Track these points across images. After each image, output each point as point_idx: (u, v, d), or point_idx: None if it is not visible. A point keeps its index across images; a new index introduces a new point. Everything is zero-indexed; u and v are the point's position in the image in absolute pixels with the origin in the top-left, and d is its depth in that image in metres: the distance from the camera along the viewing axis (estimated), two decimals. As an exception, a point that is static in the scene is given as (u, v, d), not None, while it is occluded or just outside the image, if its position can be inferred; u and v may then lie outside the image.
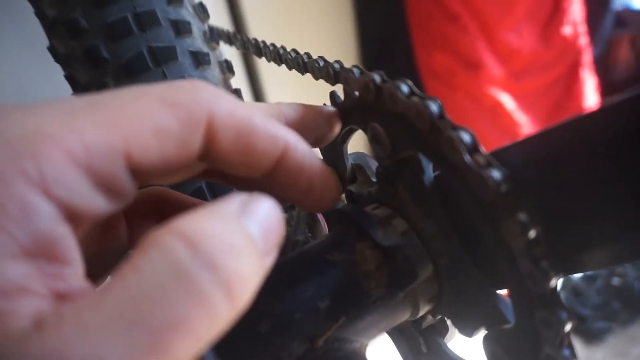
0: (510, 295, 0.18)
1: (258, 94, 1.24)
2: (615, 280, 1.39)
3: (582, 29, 1.42)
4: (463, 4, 1.31)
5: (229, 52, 0.40)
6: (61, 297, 0.12)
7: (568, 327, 0.17)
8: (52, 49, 0.32)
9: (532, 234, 0.16)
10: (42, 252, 0.12)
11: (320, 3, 1.40)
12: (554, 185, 0.17)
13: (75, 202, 0.13)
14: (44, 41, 0.32)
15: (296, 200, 0.22)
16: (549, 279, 0.16)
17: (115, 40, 0.30)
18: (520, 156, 0.18)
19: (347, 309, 0.21)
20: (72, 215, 0.13)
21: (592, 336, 1.32)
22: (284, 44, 0.30)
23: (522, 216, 0.16)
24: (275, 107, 0.21)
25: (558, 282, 0.16)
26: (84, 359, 0.11)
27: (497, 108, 1.36)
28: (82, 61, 0.31)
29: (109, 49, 0.30)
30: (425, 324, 0.26)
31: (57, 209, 0.13)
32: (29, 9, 0.32)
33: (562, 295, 1.12)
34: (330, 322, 0.20)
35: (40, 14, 0.32)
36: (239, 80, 1.18)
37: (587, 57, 1.43)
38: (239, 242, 0.13)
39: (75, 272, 0.13)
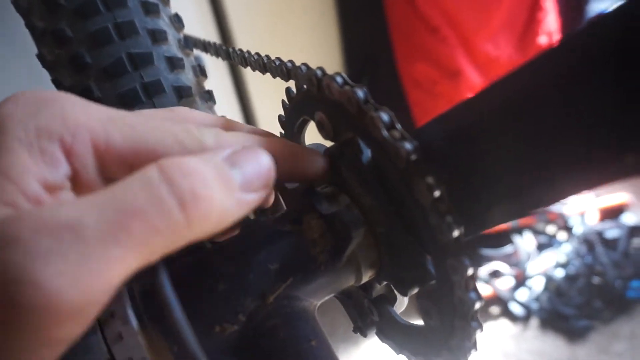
0: (428, 249, 0.22)
1: (244, 101, 1.28)
2: (596, 280, 1.43)
3: (557, 38, 1.47)
4: (442, 16, 1.36)
5: (217, 62, 0.44)
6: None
7: (471, 271, 0.20)
8: (40, 57, 0.35)
9: (437, 193, 0.20)
10: (52, 188, 0.18)
11: (305, 16, 1.44)
12: (458, 154, 0.21)
13: (83, 175, 0.19)
14: (33, 50, 0.36)
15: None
16: (452, 230, 0.20)
17: (97, 48, 0.34)
18: (433, 131, 0.21)
19: (295, 271, 0.24)
20: (77, 181, 0.19)
21: (574, 334, 1.35)
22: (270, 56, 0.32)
23: (429, 179, 0.20)
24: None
25: (461, 232, 0.20)
26: (67, 220, 0.15)
27: (477, 115, 1.40)
28: (67, 67, 0.34)
29: (92, 55, 0.34)
30: (375, 293, 0.29)
31: (71, 172, 0.18)
32: (20, 21, 0.36)
33: (545, 296, 1.15)
34: (279, 282, 0.24)
35: (30, 25, 0.35)
36: (227, 90, 1.22)
37: (563, 65, 1.48)
38: (206, 172, 0.17)
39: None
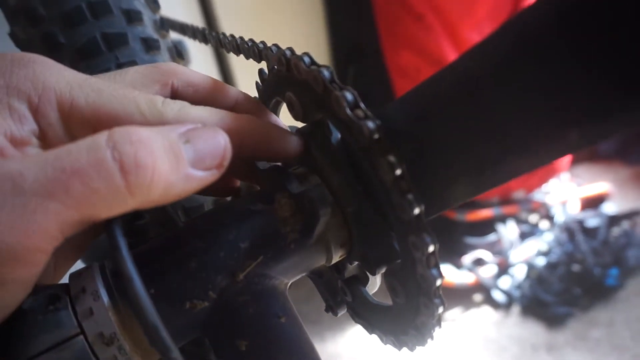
0: (393, 228, 0.22)
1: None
2: (576, 267, 1.45)
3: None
4: (427, 5, 1.36)
5: (201, 47, 0.43)
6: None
7: (432, 248, 0.21)
8: (12, 35, 0.35)
9: (398, 171, 0.20)
10: (18, 142, 0.19)
11: (292, 5, 1.43)
12: (419, 133, 0.21)
13: (50, 132, 0.20)
14: (5, 28, 0.35)
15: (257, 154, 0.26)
16: (412, 208, 0.20)
17: (71, 27, 0.33)
18: (397, 110, 0.22)
19: (265, 249, 0.24)
20: (44, 138, 0.20)
21: (554, 321, 1.38)
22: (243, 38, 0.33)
23: (391, 157, 0.20)
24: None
25: (421, 210, 0.20)
26: (9, 172, 0.16)
27: (463, 104, 1.42)
28: (40, 46, 0.34)
29: (66, 35, 0.33)
30: (347, 274, 0.29)
31: (37, 128, 0.20)
32: (-9, -1, 0.35)
33: (527, 284, 1.16)
34: (249, 260, 0.24)
35: (2, 3, 0.35)
36: (209, 68, 1.21)
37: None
38: (155, 142, 0.18)
39: None
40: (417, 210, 0.20)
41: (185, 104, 0.23)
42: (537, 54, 0.15)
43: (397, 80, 1.49)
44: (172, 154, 0.19)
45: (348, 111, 0.21)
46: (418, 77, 1.44)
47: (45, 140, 0.20)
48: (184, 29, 0.41)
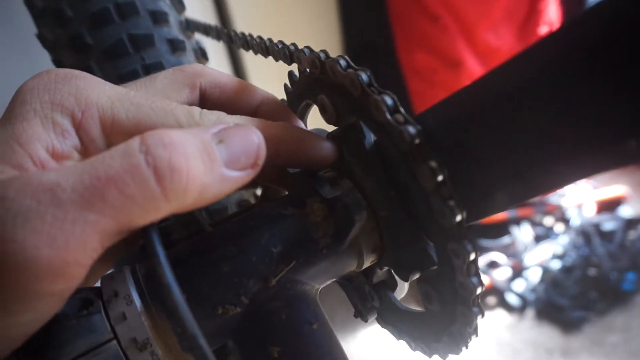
0: (429, 234, 0.22)
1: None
2: (592, 271, 1.44)
3: (557, 25, 1.47)
4: (443, 5, 1.35)
5: (217, 48, 0.43)
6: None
7: (472, 256, 0.20)
8: (40, 36, 0.35)
9: (440, 177, 0.20)
10: (60, 156, 0.20)
11: (306, 7, 1.43)
12: (460, 139, 0.20)
13: (91, 147, 0.21)
14: (33, 29, 0.35)
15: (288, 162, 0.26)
16: (454, 215, 0.20)
17: (98, 28, 0.33)
18: (435, 116, 0.21)
19: (297, 254, 0.24)
20: (86, 153, 0.21)
21: (569, 325, 1.36)
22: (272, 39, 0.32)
23: (432, 163, 0.20)
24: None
25: (463, 217, 0.20)
26: (47, 183, 0.16)
27: (477, 105, 1.41)
28: (68, 47, 0.34)
29: (93, 36, 0.33)
30: (376, 279, 0.29)
31: (79, 143, 0.20)
32: (19, 1, 0.35)
33: (542, 287, 1.15)
34: (282, 265, 0.24)
35: (29, 4, 0.35)
36: (223, 66, 1.21)
37: (564, 56, 1.48)
38: (188, 144, 0.18)
39: None
40: (458, 217, 0.20)
41: (222, 114, 0.23)
42: (586, 64, 0.15)
43: (411, 80, 1.48)
44: (206, 155, 0.18)
45: (388, 116, 0.20)
46: (432, 77, 1.43)
47: (87, 155, 0.21)
48: (207, 30, 0.41)
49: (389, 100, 0.20)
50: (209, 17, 1.14)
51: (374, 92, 0.21)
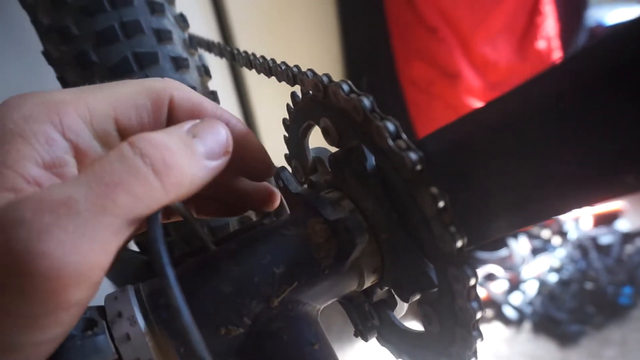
0: (430, 257, 0.22)
1: (243, 100, 1.28)
2: (589, 285, 1.44)
3: (556, 43, 1.48)
4: (441, 16, 1.36)
5: (217, 63, 0.44)
6: None
7: (472, 281, 0.20)
8: (46, 53, 0.35)
9: (441, 203, 0.20)
10: (53, 166, 0.20)
11: (306, 15, 1.44)
12: (461, 166, 0.21)
13: (81, 143, 0.21)
14: (39, 46, 0.36)
15: (241, 169, 0.28)
16: (455, 240, 0.20)
17: (103, 46, 0.34)
18: (437, 142, 0.22)
19: (299, 275, 0.24)
20: (77, 152, 0.21)
21: (566, 339, 1.36)
22: (270, 56, 0.33)
23: (433, 189, 0.20)
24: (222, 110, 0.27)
25: (464, 242, 0.20)
26: (61, 198, 0.17)
27: (475, 117, 1.41)
28: (73, 64, 0.34)
29: (98, 53, 0.34)
30: (376, 298, 0.29)
31: (69, 145, 0.21)
32: (25, 18, 0.36)
33: (539, 300, 1.15)
34: (284, 286, 0.24)
35: (35, 22, 0.35)
36: (225, 87, 1.21)
37: (561, 71, 1.49)
38: (172, 143, 0.20)
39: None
40: (459, 243, 0.20)
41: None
42: (585, 101, 0.15)
43: (408, 91, 1.49)
44: (189, 150, 0.21)
45: (390, 142, 0.21)
46: (430, 88, 1.44)
47: (80, 154, 0.21)
48: (210, 46, 0.42)
49: (391, 127, 0.21)
50: (210, 28, 1.15)
51: (376, 117, 0.21)
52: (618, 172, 0.15)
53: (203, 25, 1.12)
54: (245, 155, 0.27)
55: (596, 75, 0.15)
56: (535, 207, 0.19)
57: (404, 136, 0.21)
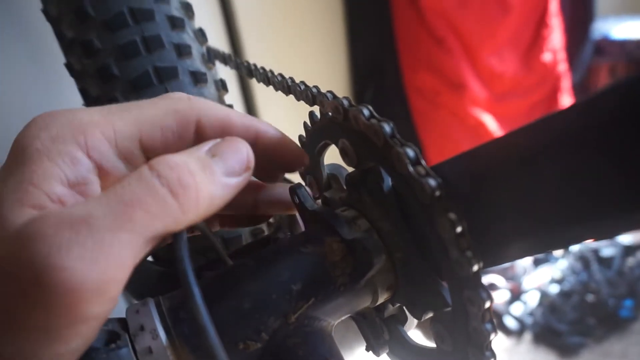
0: (446, 279, 0.23)
1: (251, 110, 1.28)
2: (590, 297, 1.44)
3: (562, 56, 1.49)
4: (448, 28, 1.37)
5: (225, 72, 0.44)
6: None
7: (487, 304, 0.21)
8: (68, 66, 0.36)
9: (459, 229, 0.21)
10: (77, 184, 0.21)
11: (314, 27, 1.45)
12: (478, 193, 0.22)
13: (104, 163, 0.22)
14: (61, 59, 0.37)
15: (276, 168, 0.29)
16: (472, 265, 0.21)
17: (125, 60, 0.35)
18: (454, 169, 0.22)
19: (316, 292, 0.25)
20: (101, 171, 0.22)
21: (567, 350, 1.36)
22: (278, 66, 0.34)
23: (452, 215, 0.21)
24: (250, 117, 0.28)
25: (480, 267, 0.21)
26: (81, 215, 0.18)
27: (480, 128, 1.42)
28: (94, 77, 0.35)
29: (119, 67, 0.35)
30: (387, 313, 0.30)
31: (93, 165, 0.21)
32: (50, 31, 0.36)
33: (540, 311, 1.15)
34: (301, 302, 0.25)
35: (59, 34, 0.36)
36: (234, 97, 1.22)
37: (566, 83, 1.50)
38: (189, 164, 0.21)
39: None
40: (475, 267, 0.21)
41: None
42: (598, 141, 0.16)
43: (414, 101, 1.50)
44: (207, 169, 0.21)
45: (410, 168, 0.21)
46: (435, 98, 1.45)
47: (104, 174, 0.22)
48: (226, 60, 0.42)
49: (411, 153, 0.22)
50: (220, 39, 1.16)
51: (397, 144, 0.22)
52: (628, 209, 0.16)
53: (212, 34, 1.13)
54: (283, 154, 0.28)
55: (615, 115, 0.16)
56: (548, 238, 0.20)
57: (424, 162, 0.22)
